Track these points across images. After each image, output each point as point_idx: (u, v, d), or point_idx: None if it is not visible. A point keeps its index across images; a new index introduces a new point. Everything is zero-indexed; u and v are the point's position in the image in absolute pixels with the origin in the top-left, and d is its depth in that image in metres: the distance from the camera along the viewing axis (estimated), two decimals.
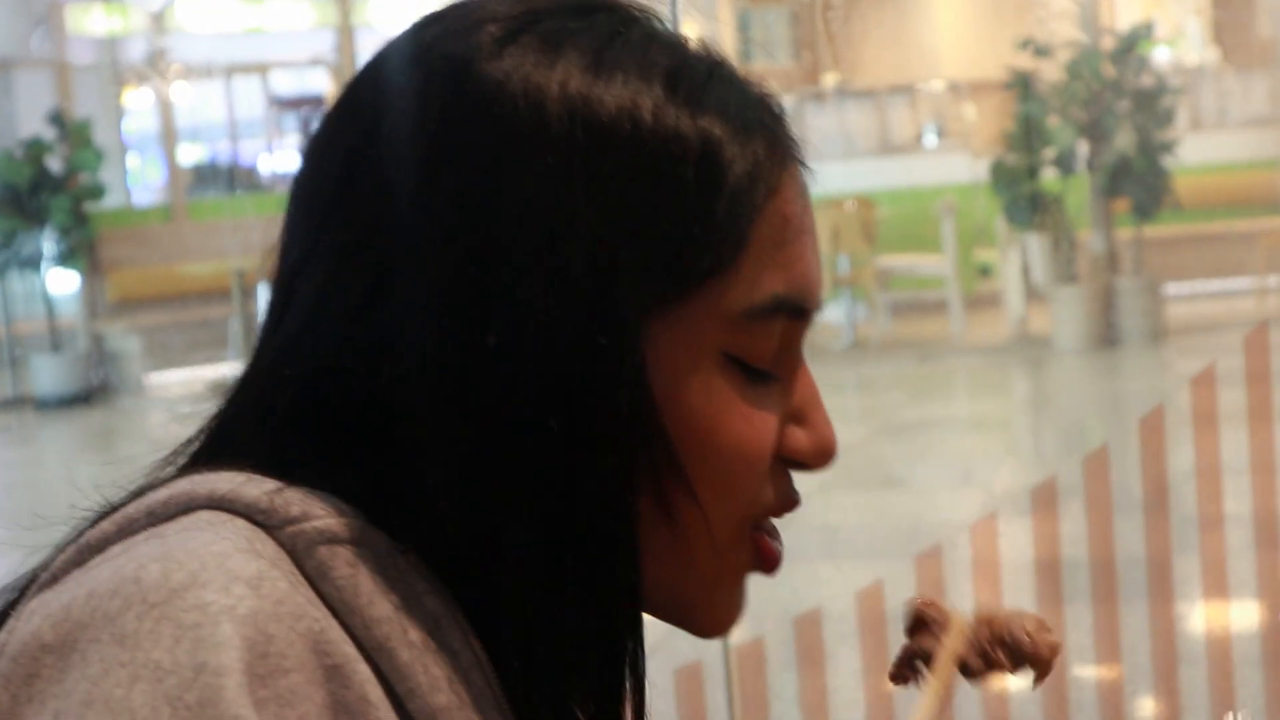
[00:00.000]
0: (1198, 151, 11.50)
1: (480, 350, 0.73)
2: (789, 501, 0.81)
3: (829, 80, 14.63)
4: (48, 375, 11.71)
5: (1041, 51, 10.69)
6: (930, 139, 13.70)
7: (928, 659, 0.90)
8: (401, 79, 0.78)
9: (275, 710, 0.64)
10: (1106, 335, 10.29)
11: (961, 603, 2.84)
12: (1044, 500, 3.02)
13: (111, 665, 0.63)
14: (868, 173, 12.99)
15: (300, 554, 0.70)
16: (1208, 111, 13.07)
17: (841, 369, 10.76)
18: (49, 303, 11.94)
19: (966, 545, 3.10)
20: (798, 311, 0.79)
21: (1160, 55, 12.68)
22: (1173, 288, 10.94)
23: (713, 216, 0.75)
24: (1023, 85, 10.73)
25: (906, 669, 0.88)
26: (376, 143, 0.76)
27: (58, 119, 11.90)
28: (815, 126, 13.65)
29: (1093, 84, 10.52)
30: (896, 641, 2.94)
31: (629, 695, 0.79)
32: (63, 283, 12.17)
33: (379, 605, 0.70)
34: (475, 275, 0.73)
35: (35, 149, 11.60)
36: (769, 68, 14.90)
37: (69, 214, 11.51)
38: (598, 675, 0.76)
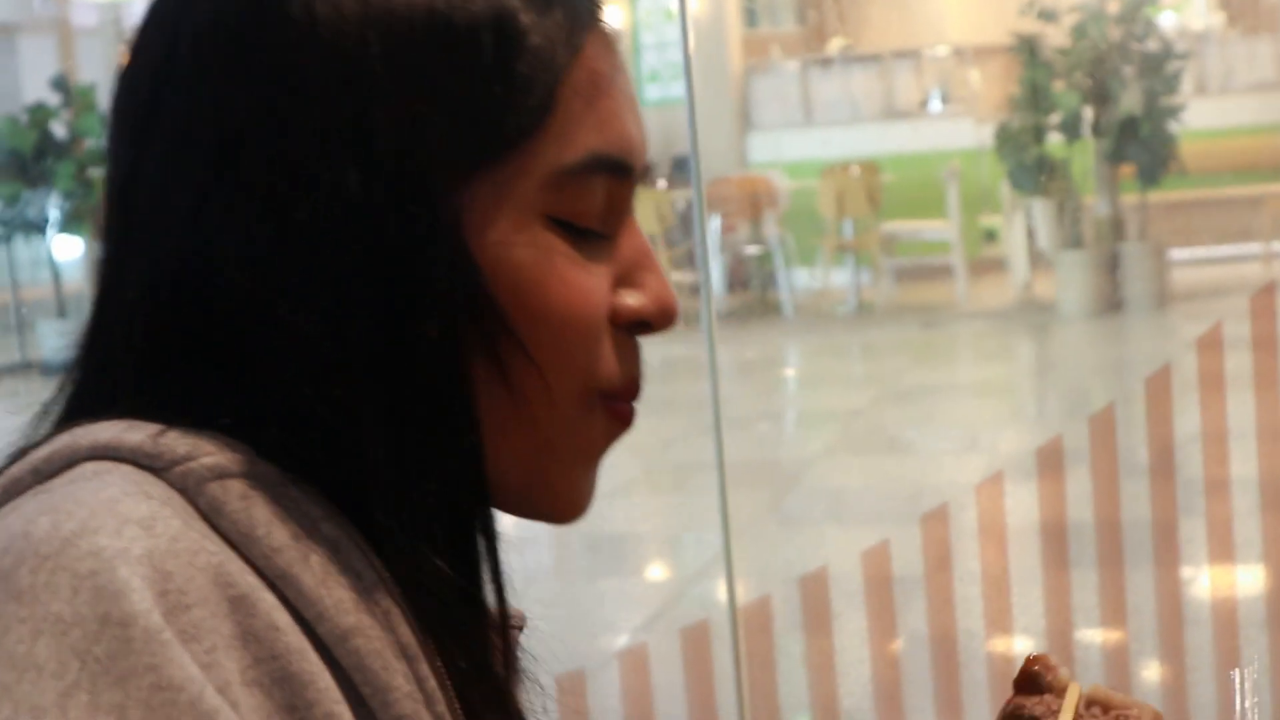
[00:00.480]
0: (1203, 116, 11.46)
1: (297, 237, 0.73)
2: (633, 382, 0.81)
3: (834, 45, 14.59)
4: (53, 340, 11.73)
5: (1047, 15, 10.65)
6: (935, 104, 13.65)
7: None
8: None
9: (184, 645, 0.63)
10: (1111, 300, 10.28)
11: (969, 563, 2.84)
12: (1049, 461, 3.02)
13: (11, 622, 0.62)
14: (872, 138, 12.98)
15: (192, 492, 0.69)
16: (1213, 76, 13.00)
17: (845, 334, 10.80)
18: (55, 268, 11.95)
19: (972, 507, 3.11)
20: (618, 168, 0.79)
21: (1166, 20, 12.64)
22: (1178, 253, 10.93)
23: (514, 80, 0.75)
24: (1028, 50, 10.69)
25: None
26: (179, 52, 0.76)
27: (62, 84, 11.89)
28: (820, 91, 13.63)
29: (1098, 48, 10.49)
30: (902, 601, 2.95)
31: (485, 561, 0.79)
32: (68, 248, 12.18)
33: (276, 534, 0.70)
34: (287, 165, 0.73)
35: (39, 114, 11.58)
36: (773, 32, 14.86)
37: (73, 179, 11.50)
38: (451, 546, 0.76)
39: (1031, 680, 0.87)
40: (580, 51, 0.78)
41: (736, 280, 12.19)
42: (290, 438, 0.74)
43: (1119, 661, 3.14)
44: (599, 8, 0.81)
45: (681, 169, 13.51)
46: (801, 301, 11.82)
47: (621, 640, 4.77)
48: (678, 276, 11.80)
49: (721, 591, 5.25)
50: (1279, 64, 12.69)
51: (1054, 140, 10.72)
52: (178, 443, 0.71)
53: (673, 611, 5.02)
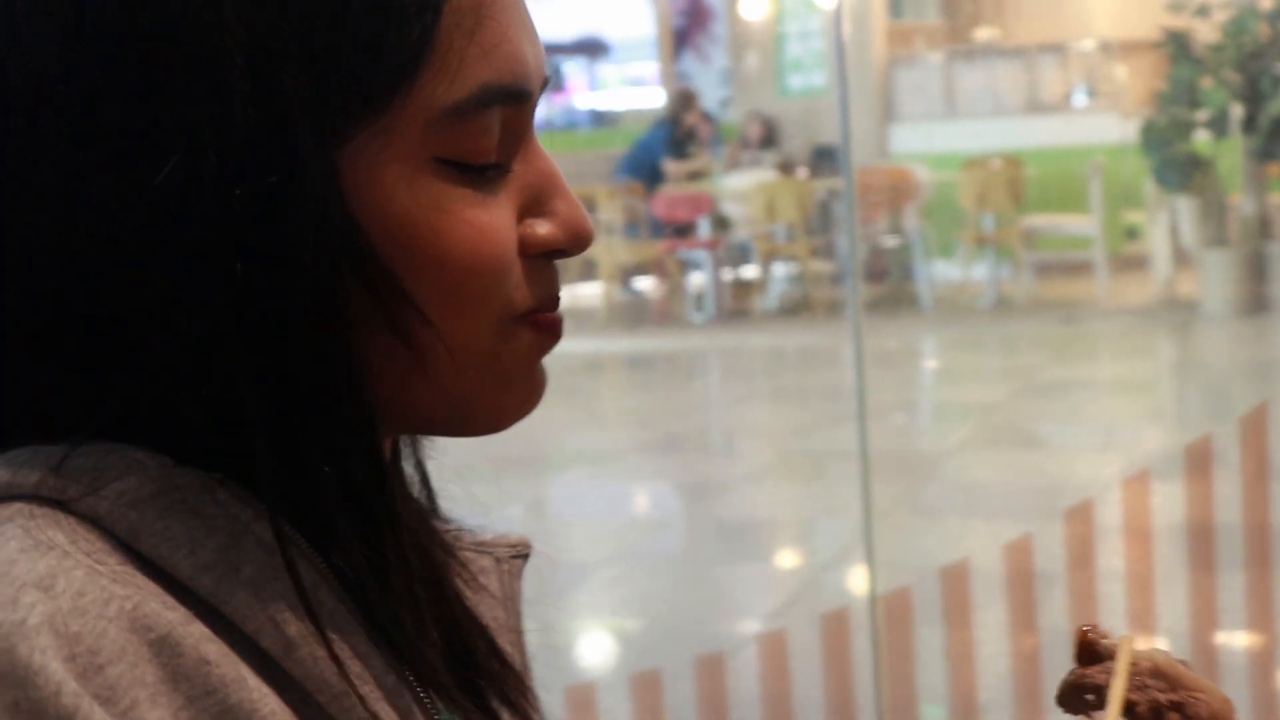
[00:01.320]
0: None
1: (159, 214, 0.68)
2: (551, 296, 0.77)
3: (979, 37, 14.46)
4: None
5: (1200, 11, 10.48)
6: (1080, 98, 13.47)
7: (1099, 693, 0.86)
8: None
9: (102, 708, 0.60)
10: (1257, 301, 10.10)
11: (1111, 560, 2.81)
12: (1197, 459, 2.98)
13: None
14: (1015, 131, 12.85)
15: (105, 522, 0.66)
16: None
17: (984, 327, 10.70)
18: None
19: (1114, 503, 3.07)
20: (513, 96, 0.73)
21: None
22: None
23: (386, 19, 0.69)
24: (1176, 45, 10.53)
25: (1077, 700, 0.85)
26: (22, 25, 0.70)
27: None
28: (963, 84, 13.51)
29: (1249, 45, 10.30)
30: (1042, 594, 2.92)
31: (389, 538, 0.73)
32: None
33: (201, 552, 0.66)
34: (146, 140, 0.67)
35: None
36: (918, 24, 14.76)
37: None
38: (352, 526, 0.71)
39: (1089, 650, 0.85)
40: None
41: (874, 271, 12.13)
42: (198, 436, 0.69)
43: (1264, 664, 3.10)
44: None
45: (822, 158, 13.48)
46: (940, 294, 11.73)
47: (756, 625, 4.76)
48: (816, 266, 11.76)
49: (855, 579, 5.24)
50: None
51: (1201, 137, 10.55)
52: (83, 471, 0.67)
53: (807, 598, 5.01)
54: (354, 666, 0.69)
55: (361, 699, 0.68)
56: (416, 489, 0.88)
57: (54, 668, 0.59)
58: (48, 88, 0.69)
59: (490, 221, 0.73)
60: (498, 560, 0.90)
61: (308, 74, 0.68)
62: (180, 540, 0.66)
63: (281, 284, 0.68)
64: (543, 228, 0.76)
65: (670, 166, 13.17)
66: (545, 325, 0.77)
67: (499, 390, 0.77)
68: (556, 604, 5.20)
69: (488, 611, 0.87)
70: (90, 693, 0.60)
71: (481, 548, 0.90)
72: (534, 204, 0.76)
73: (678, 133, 13.66)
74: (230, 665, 0.65)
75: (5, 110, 0.70)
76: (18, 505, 0.66)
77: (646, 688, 2.90)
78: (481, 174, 0.73)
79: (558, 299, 0.78)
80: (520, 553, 0.91)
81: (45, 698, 0.59)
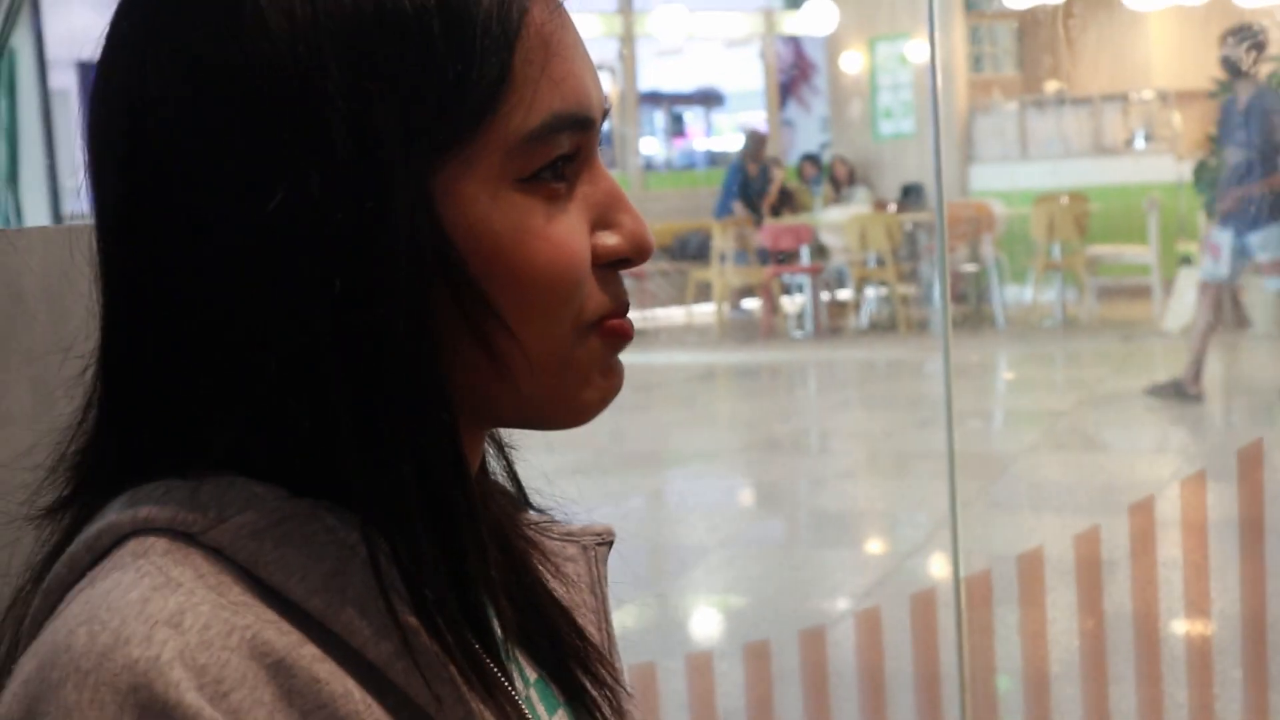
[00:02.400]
0: None
1: (266, 246, 0.67)
2: (620, 303, 0.75)
3: (1050, 88, 14.31)
4: None
5: (1245, 68, 10.29)
6: (1139, 142, 13.31)
7: None
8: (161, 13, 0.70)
9: None
10: None
11: (1170, 550, 2.76)
12: (1249, 461, 2.92)
13: None
14: (1082, 171, 12.70)
15: (228, 552, 0.65)
16: None
17: (1051, 344, 10.59)
18: None
19: (1174, 500, 3.02)
20: (580, 124, 0.72)
21: None
22: None
23: (468, 57, 0.68)
24: (1227, 94, 10.34)
25: None
26: (148, 77, 0.69)
27: None
28: (1035, 129, 13.39)
29: None
30: (1110, 580, 2.87)
31: (482, 552, 0.71)
32: None
33: (312, 577, 0.66)
34: (256, 175, 0.66)
35: None
36: (995, 76, 14.63)
37: None
38: (435, 531, 0.69)
39: None
40: (527, 14, 0.70)
41: (955, 294, 12.04)
42: (306, 463, 0.69)
43: None
44: None
45: (909, 195, 13.40)
46: (1012, 314, 11.63)
47: (851, 603, 4.74)
48: (903, 289, 11.68)
49: (934, 565, 5.20)
50: None
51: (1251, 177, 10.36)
52: (207, 506, 0.66)
53: (896, 580, 4.98)
54: (446, 673, 0.67)
55: (453, 701, 0.67)
56: (503, 481, 0.86)
57: (189, 699, 0.59)
58: (174, 131, 0.68)
59: (567, 236, 0.71)
60: (584, 548, 0.88)
61: (398, 112, 0.67)
62: (294, 567, 0.66)
63: (376, 302, 0.67)
64: (610, 239, 0.74)
65: (737, 209, 13.10)
66: (615, 330, 0.75)
67: (575, 391, 0.75)
68: (675, 582, 5.21)
69: (575, 594, 0.86)
70: (222, 712, 0.60)
71: (569, 537, 0.88)
72: (602, 219, 0.74)
73: (748, 176, 13.60)
74: (339, 681, 0.65)
75: (136, 156, 0.70)
76: (151, 540, 0.66)
77: (757, 657, 2.89)
78: (555, 191, 0.72)
79: (626, 304, 0.75)
80: (605, 540, 0.90)
81: (192, 715, 0.59)
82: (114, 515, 0.67)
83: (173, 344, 0.70)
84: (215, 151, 0.67)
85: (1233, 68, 7.88)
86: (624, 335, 0.75)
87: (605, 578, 0.88)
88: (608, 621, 0.88)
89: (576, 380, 0.74)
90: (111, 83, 0.71)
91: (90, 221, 0.73)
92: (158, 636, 0.61)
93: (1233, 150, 8.00)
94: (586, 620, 0.85)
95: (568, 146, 0.72)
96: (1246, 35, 7.78)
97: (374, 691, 0.66)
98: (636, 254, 0.75)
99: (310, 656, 0.64)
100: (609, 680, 0.83)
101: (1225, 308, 8.00)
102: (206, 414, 0.69)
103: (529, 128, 0.70)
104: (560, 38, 0.72)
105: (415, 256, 0.67)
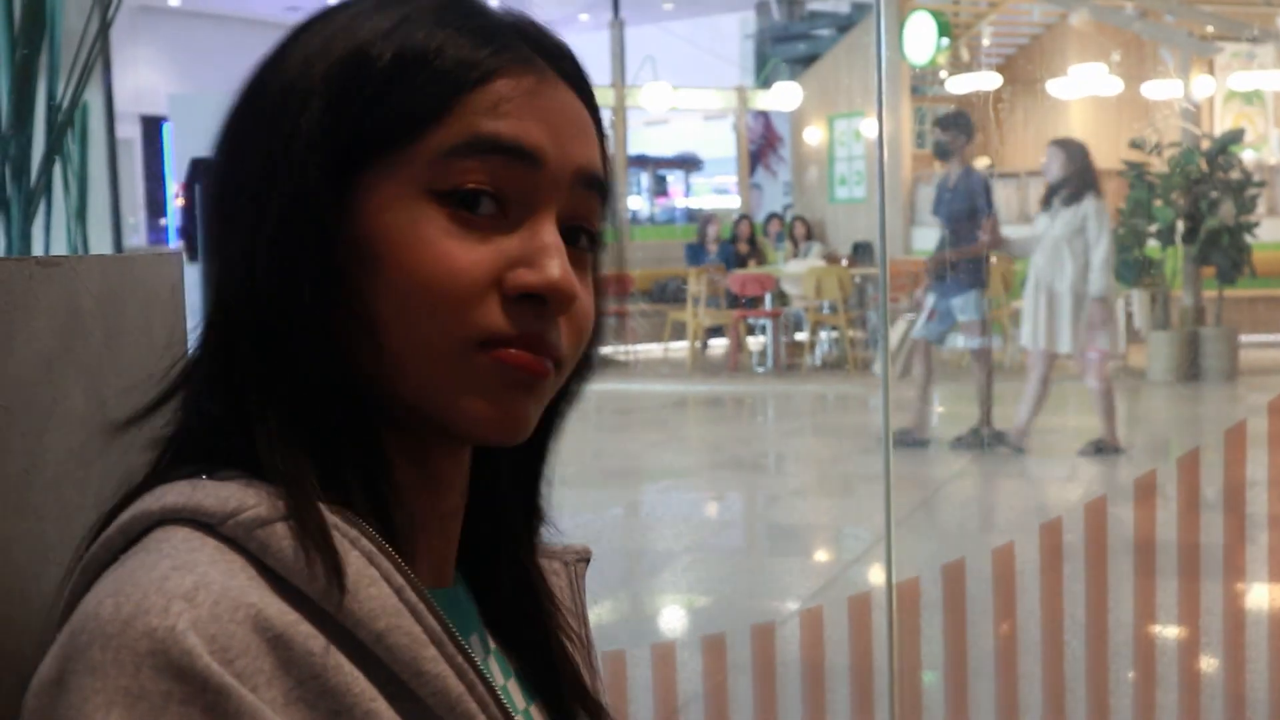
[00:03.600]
0: (1272, 232, 11.07)
1: (247, 229, 0.71)
2: (528, 335, 0.70)
3: (981, 163, 14.34)
4: None
5: (1151, 150, 10.38)
6: None
7: None
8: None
9: (240, 684, 0.61)
10: (1191, 371, 9.96)
11: (1075, 566, 2.74)
12: (1144, 490, 2.93)
13: (88, 693, 0.59)
14: (1009, 236, 12.74)
15: (241, 541, 0.65)
16: None
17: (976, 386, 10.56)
18: None
19: (1079, 522, 3.03)
20: (508, 150, 0.70)
21: (1247, 155, 12.19)
22: (1246, 337, 10.52)
23: (410, 89, 0.70)
24: (1135, 174, 10.41)
25: None
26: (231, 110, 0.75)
27: None
28: None
29: (1191, 176, 10.17)
30: (1023, 590, 2.84)
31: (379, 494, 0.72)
32: None
33: (314, 567, 0.66)
34: (260, 173, 0.71)
35: None
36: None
37: None
38: (362, 490, 0.70)
39: None
40: (491, 81, 0.71)
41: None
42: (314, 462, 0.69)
43: (1191, 653, 3.03)
44: (531, 61, 0.73)
45: (859, 251, 13.43)
46: (945, 357, 11.62)
47: (798, 604, 4.73)
48: (852, 333, 11.69)
49: (873, 573, 5.19)
50: None
51: (1152, 245, 10.42)
52: (228, 499, 0.66)
53: (838, 585, 4.97)
54: (430, 651, 0.67)
55: (432, 677, 0.67)
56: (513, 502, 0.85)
57: (201, 663, 0.60)
58: (229, 151, 0.74)
59: (456, 251, 0.69)
60: (566, 564, 0.88)
61: (332, 121, 0.70)
62: (296, 557, 0.65)
63: (292, 273, 0.69)
64: (526, 275, 0.70)
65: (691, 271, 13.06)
66: (505, 359, 0.70)
67: (461, 403, 0.71)
68: (646, 582, 5.19)
69: (561, 602, 0.86)
70: (230, 674, 0.61)
71: (552, 555, 0.88)
72: (526, 259, 0.71)
73: (702, 245, 13.62)
74: (331, 656, 0.64)
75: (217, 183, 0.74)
76: (175, 528, 0.66)
77: (714, 648, 2.89)
78: (473, 216, 0.70)
79: (536, 341, 0.71)
80: (583, 557, 0.89)
81: (200, 684, 0.60)
82: (145, 504, 0.68)
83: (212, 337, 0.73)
84: (243, 164, 0.72)
85: (943, 151, 7.80)
86: (515, 366, 0.71)
87: (584, 590, 0.89)
88: (586, 626, 0.88)
89: (462, 391, 0.71)
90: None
91: (141, 252, 0.77)
92: (174, 608, 0.61)
93: (942, 223, 7.94)
94: (568, 625, 0.86)
95: (490, 175, 0.70)
96: (953, 123, 7.73)
97: (362, 667, 0.66)
98: (548, 294, 0.70)
99: (306, 634, 0.64)
100: (582, 667, 0.84)
101: (928, 361, 7.83)
102: (223, 418, 0.71)
103: (450, 143, 0.70)
104: (524, 100, 0.71)
105: (321, 233, 0.69)
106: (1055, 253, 7.04)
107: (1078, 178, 7.04)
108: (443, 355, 0.70)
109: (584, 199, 0.74)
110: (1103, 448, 7.25)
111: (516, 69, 0.72)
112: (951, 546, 5.30)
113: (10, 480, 0.79)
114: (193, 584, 0.62)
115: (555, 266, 0.70)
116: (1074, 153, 7.18)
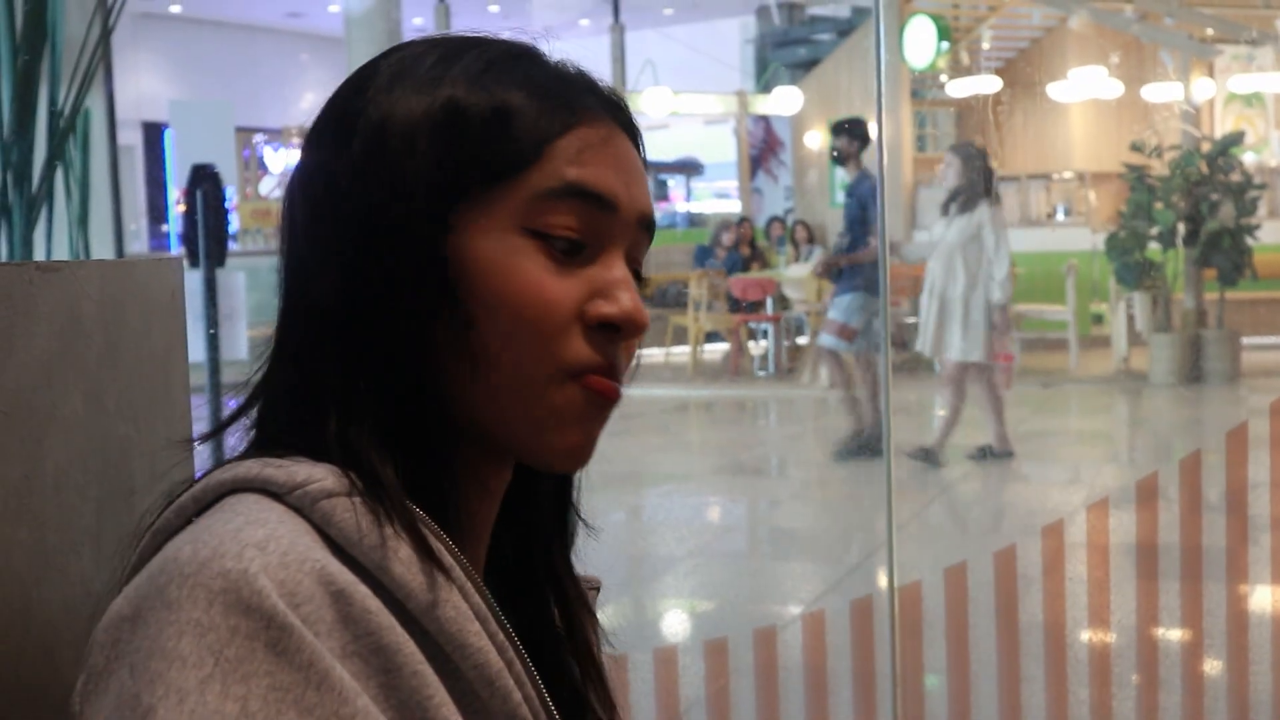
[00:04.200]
0: (1273, 234, 11.06)
1: (342, 266, 0.76)
2: (609, 364, 0.77)
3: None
4: None
5: (1152, 152, 10.38)
6: (1060, 215, 13.37)
7: None
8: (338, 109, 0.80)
9: (301, 630, 0.64)
10: (1193, 374, 9.95)
11: (1077, 568, 2.74)
12: (1146, 492, 2.93)
13: (164, 624, 0.63)
14: (1011, 240, 12.73)
15: (307, 510, 0.70)
16: None
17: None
18: None
19: (1082, 524, 3.03)
20: (592, 198, 0.78)
21: (1248, 158, 12.20)
22: (1248, 339, 10.52)
23: (505, 137, 0.76)
24: (1135, 177, 10.41)
25: None
26: (311, 140, 0.80)
27: None
28: None
29: (1191, 178, 10.17)
30: (1024, 592, 2.83)
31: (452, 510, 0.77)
32: None
33: (370, 535, 0.69)
34: (360, 204, 0.76)
35: None
36: (936, 155, 14.69)
37: None
38: (433, 495, 0.75)
39: None
40: (572, 129, 0.78)
41: (898, 341, 12.02)
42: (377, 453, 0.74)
43: (1194, 655, 3.03)
44: (603, 115, 0.80)
45: None
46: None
47: (800, 607, 4.73)
48: None
49: (873, 576, 5.19)
50: None
51: (1153, 248, 10.42)
52: (296, 474, 0.71)
53: (840, 588, 4.97)
54: (474, 627, 0.71)
55: (475, 651, 0.70)
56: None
57: (270, 602, 0.64)
58: (311, 182, 0.79)
59: (548, 285, 0.76)
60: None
61: (452, 164, 0.76)
62: (356, 529, 0.70)
63: (384, 304, 0.75)
64: (605, 306, 0.77)
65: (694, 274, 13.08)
66: (595, 387, 0.77)
67: (551, 431, 0.77)
68: (648, 586, 5.19)
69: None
70: (297, 616, 0.65)
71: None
72: (604, 291, 0.78)
73: (714, 250, 13.62)
74: (385, 617, 0.67)
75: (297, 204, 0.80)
76: (244, 494, 0.71)
77: (716, 652, 2.89)
78: (559, 251, 0.77)
79: (615, 370, 0.78)
80: (593, 586, 0.93)
81: (266, 621, 0.64)
82: (217, 476, 0.73)
83: (291, 341, 0.79)
84: (337, 188, 0.78)
85: (841, 156, 7.69)
86: (603, 393, 0.77)
87: (596, 614, 0.92)
88: (599, 647, 0.91)
89: (553, 422, 0.77)
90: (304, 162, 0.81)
91: (141, 257, 0.79)
92: (247, 554, 0.65)
93: (842, 228, 7.77)
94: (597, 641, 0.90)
95: (579, 219, 0.77)
96: (846, 129, 7.65)
97: (412, 634, 0.69)
98: (624, 325, 0.77)
99: (364, 594, 0.68)
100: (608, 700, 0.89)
101: (839, 367, 7.76)
102: (300, 407, 0.77)
103: (545, 186, 0.76)
104: (600, 149, 0.79)
105: (424, 262, 0.75)
106: (949, 260, 6.97)
107: (972, 186, 6.95)
108: (537, 382, 0.76)
109: (641, 239, 0.82)
110: (991, 452, 7.18)
111: (592, 120, 0.79)
112: (950, 549, 5.29)
113: (9, 485, 0.80)
114: (264, 536, 0.67)
115: (629, 298, 0.78)
116: (970, 160, 7.07)
